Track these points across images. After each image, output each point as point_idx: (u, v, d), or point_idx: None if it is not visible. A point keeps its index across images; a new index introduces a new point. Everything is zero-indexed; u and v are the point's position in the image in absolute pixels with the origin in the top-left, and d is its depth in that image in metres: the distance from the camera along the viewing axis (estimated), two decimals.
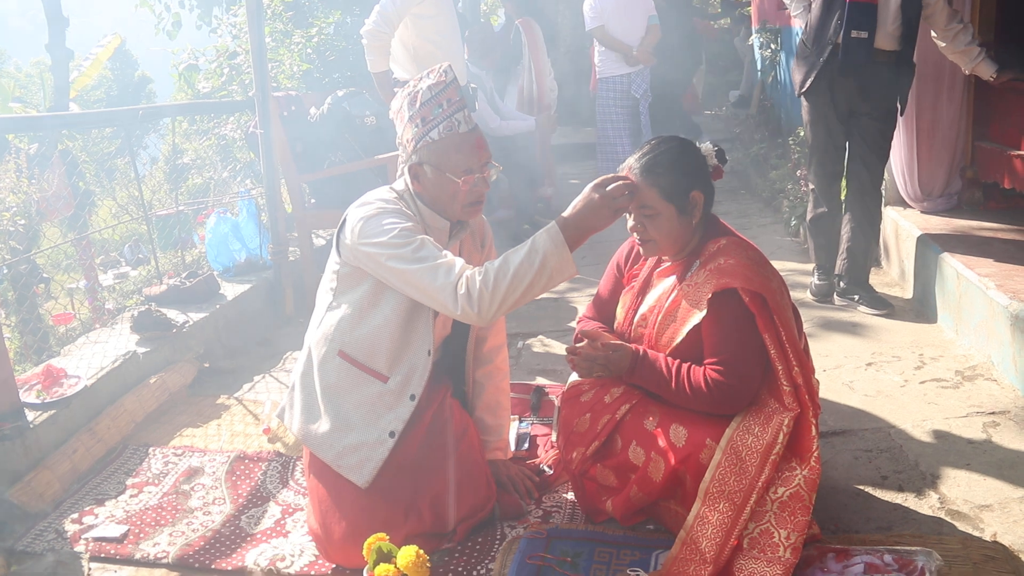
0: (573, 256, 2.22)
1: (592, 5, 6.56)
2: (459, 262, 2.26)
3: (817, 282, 4.35)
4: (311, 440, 2.48)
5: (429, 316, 2.44)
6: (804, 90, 4.06)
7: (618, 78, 6.63)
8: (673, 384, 2.33)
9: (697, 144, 2.41)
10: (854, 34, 3.78)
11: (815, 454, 2.18)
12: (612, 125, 6.77)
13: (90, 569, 2.49)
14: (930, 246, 4.04)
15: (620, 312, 2.61)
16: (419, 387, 2.44)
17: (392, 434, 2.40)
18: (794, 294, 4.10)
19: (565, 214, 2.24)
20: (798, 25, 4.53)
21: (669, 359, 2.37)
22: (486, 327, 2.71)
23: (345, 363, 2.45)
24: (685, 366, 2.34)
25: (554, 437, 2.88)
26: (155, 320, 3.79)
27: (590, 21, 6.60)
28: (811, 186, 4.31)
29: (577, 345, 2.48)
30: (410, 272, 2.26)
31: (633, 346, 2.43)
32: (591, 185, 2.26)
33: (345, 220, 2.43)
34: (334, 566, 2.42)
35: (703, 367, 2.31)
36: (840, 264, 4.27)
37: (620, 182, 2.27)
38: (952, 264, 3.74)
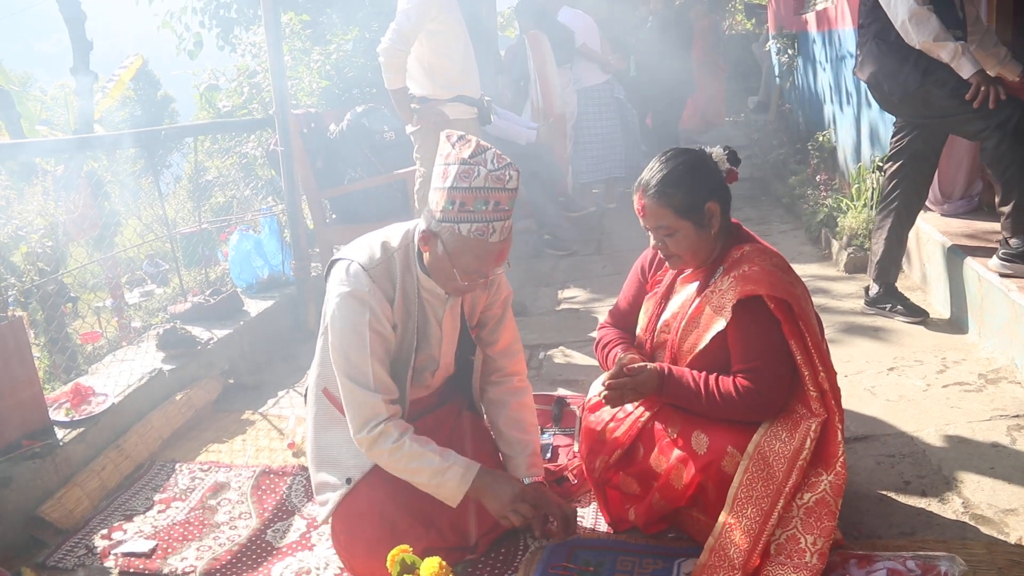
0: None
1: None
2: (385, 411, 2.29)
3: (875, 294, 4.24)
4: (307, 459, 2.58)
5: (407, 377, 2.43)
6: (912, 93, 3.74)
7: (601, 85, 7.29)
8: (704, 396, 2.32)
9: (707, 150, 2.41)
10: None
11: (841, 459, 2.18)
12: (588, 133, 7.24)
13: None
14: (951, 249, 4.01)
15: (643, 318, 2.61)
16: None
17: (349, 481, 2.43)
18: (815, 300, 4.08)
19: (485, 474, 2.29)
20: (814, 30, 4.43)
21: (695, 372, 2.36)
22: (506, 359, 2.67)
23: (325, 400, 2.50)
24: (712, 377, 2.33)
25: (576, 447, 2.88)
26: (180, 337, 3.85)
27: (576, 41, 7.18)
28: (895, 200, 4.04)
29: (603, 381, 2.46)
30: (341, 379, 2.30)
31: (657, 365, 2.41)
32: (514, 494, 2.30)
33: (331, 271, 2.38)
34: None
35: (732, 376, 2.31)
36: (874, 269, 4.16)
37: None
38: (973, 267, 3.71)
